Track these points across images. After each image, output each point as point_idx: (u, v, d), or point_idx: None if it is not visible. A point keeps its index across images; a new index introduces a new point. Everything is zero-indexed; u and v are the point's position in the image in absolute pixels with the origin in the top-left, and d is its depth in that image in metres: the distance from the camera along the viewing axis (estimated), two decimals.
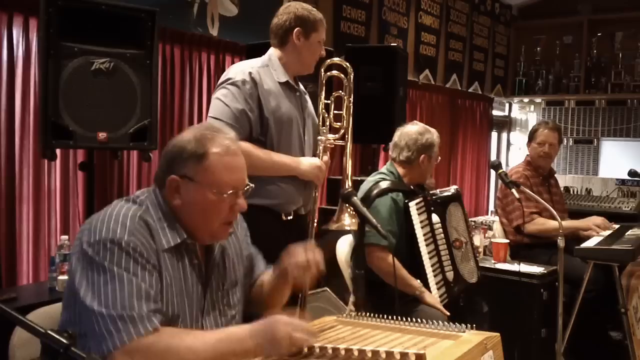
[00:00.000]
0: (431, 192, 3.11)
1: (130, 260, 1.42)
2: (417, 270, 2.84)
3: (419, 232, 2.86)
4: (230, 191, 1.56)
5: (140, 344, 1.36)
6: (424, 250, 2.86)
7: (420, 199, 2.93)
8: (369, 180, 3.03)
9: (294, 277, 1.70)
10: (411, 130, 3.04)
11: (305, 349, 1.49)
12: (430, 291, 2.82)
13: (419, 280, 2.81)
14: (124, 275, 1.40)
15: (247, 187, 1.63)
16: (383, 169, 3.12)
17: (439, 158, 3.13)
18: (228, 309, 1.69)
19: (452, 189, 3.23)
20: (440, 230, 2.99)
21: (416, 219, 2.87)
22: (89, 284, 1.40)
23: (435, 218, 2.96)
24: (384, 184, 2.94)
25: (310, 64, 2.68)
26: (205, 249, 1.67)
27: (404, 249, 2.85)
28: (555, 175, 4.40)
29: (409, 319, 1.69)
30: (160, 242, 1.52)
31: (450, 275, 2.94)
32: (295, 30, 2.61)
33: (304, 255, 1.71)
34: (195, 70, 3.76)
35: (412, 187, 3.03)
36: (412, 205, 2.88)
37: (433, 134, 3.05)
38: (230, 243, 1.76)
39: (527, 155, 4.23)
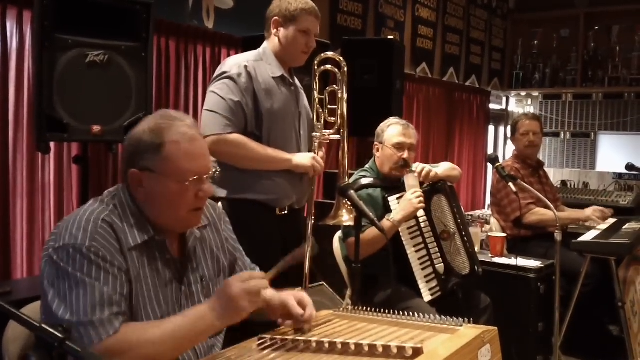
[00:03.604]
0: None
1: (93, 266, 1.42)
2: (405, 265, 2.84)
3: (402, 225, 2.86)
4: (193, 178, 1.54)
5: (102, 347, 1.36)
6: (407, 243, 2.86)
7: (401, 193, 2.92)
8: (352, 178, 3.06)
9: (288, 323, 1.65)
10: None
11: (302, 344, 1.48)
12: (418, 285, 2.82)
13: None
14: (87, 281, 1.40)
15: (214, 171, 1.61)
16: (366, 165, 3.17)
17: (403, 151, 2.98)
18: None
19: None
20: (426, 222, 2.98)
21: None
22: (55, 289, 1.41)
23: (419, 211, 2.94)
24: (364, 181, 2.99)
25: (295, 55, 2.64)
26: (180, 242, 1.65)
27: (390, 244, 2.84)
28: (552, 168, 4.42)
29: (405, 312, 1.68)
30: (127, 241, 1.51)
31: (440, 267, 2.93)
32: (274, 19, 2.60)
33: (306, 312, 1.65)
34: (190, 63, 3.73)
35: (392, 181, 3.02)
36: (392, 200, 2.91)
37: (386, 124, 3.10)
38: (209, 236, 1.74)
39: (514, 149, 4.27)
